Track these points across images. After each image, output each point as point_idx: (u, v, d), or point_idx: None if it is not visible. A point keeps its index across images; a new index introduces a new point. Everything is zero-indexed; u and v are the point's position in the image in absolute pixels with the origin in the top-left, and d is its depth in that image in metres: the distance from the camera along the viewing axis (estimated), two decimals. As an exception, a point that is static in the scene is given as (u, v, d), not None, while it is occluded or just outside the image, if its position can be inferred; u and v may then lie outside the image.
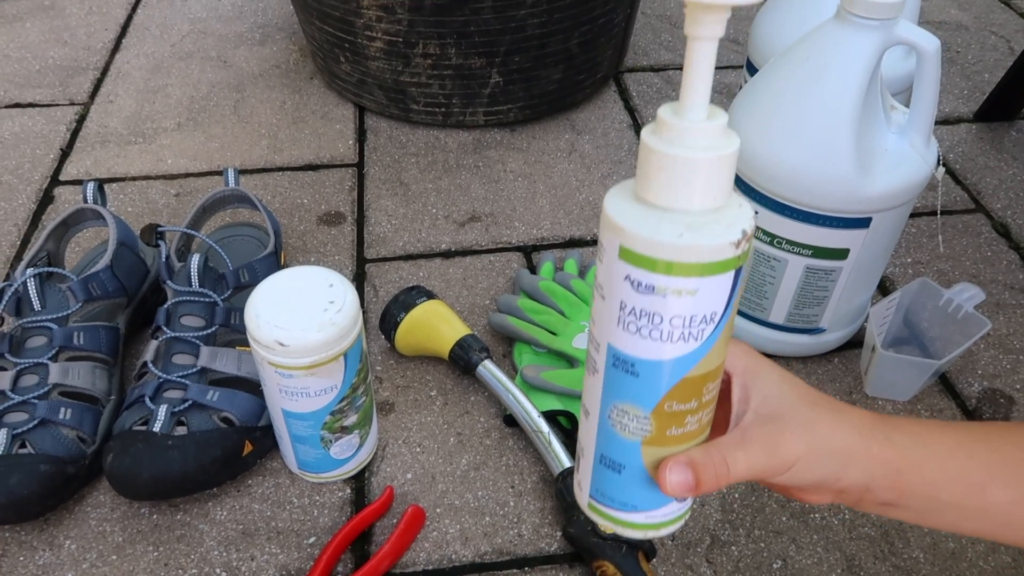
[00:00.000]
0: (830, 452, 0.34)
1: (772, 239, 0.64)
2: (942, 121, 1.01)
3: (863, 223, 0.61)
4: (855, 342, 0.73)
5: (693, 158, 0.27)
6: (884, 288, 0.80)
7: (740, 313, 0.71)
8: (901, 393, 0.69)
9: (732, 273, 0.28)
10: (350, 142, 0.96)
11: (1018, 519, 0.36)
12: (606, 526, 0.36)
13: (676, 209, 0.28)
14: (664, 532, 0.36)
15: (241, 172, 0.92)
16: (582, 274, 0.77)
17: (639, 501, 0.34)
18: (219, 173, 0.91)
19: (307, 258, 0.81)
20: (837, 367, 0.72)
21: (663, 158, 0.28)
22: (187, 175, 0.91)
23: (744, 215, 0.29)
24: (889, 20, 0.56)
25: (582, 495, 0.36)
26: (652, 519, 0.35)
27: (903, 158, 0.61)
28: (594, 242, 0.84)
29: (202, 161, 0.93)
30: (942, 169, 0.64)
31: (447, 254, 0.82)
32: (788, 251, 0.64)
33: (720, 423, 0.37)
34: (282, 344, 0.51)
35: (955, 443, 0.37)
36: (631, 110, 1.02)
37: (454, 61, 0.90)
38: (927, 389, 0.70)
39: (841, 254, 0.63)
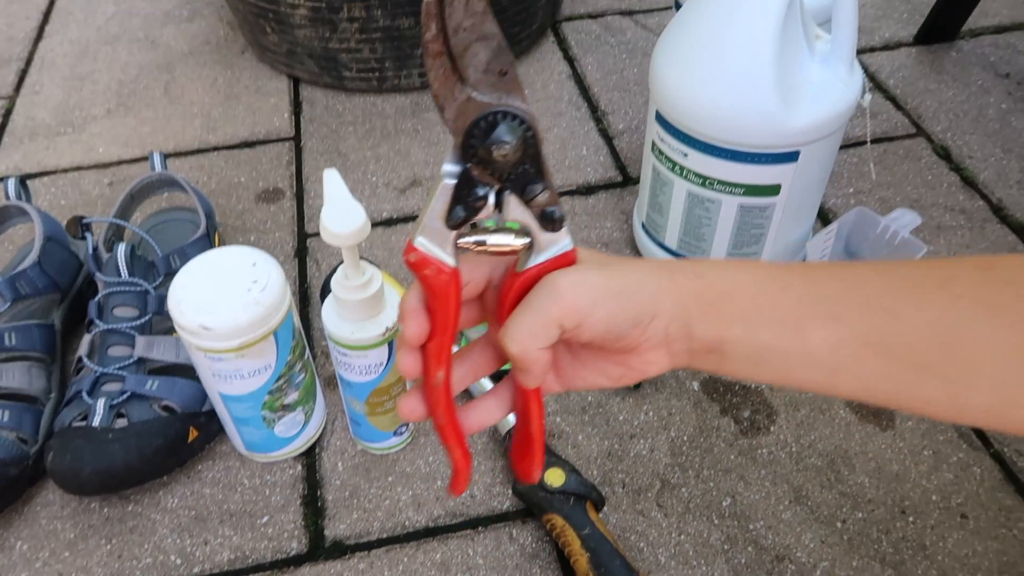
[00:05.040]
0: (630, 289, 0.33)
1: (704, 180, 0.63)
2: (882, 47, 1.01)
3: (791, 157, 0.61)
4: (798, 276, 0.73)
5: (354, 299, 0.51)
6: (825, 219, 0.80)
7: (680, 257, 0.70)
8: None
9: (386, 346, 0.54)
10: (285, 115, 0.94)
11: (844, 363, 0.33)
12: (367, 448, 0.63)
13: (351, 319, 0.53)
14: (391, 451, 0.63)
15: (175, 155, 0.90)
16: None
17: (369, 439, 0.61)
18: (152, 158, 0.89)
19: (247, 237, 0.80)
20: (782, 303, 0.72)
21: (340, 300, 0.52)
22: (120, 162, 0.89)
23: (390, 316, 0.53)
24: (803, -52, 0.56)
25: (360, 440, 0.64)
26: (380, 448, 0.62)
27: (827, 88, 0.60)
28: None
29: (134, 147, 0.91)
30: (869, 96, 0.64)
31: (388, 222, 0.81)
32: (721, 191, 0.63)
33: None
34: (207, 328, 0.51)
35: (767, 276, 0.34)
36: (570, 60, 1.01)
37: (382, 23, 0.88)
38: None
39: (773, 190, 0.63)
